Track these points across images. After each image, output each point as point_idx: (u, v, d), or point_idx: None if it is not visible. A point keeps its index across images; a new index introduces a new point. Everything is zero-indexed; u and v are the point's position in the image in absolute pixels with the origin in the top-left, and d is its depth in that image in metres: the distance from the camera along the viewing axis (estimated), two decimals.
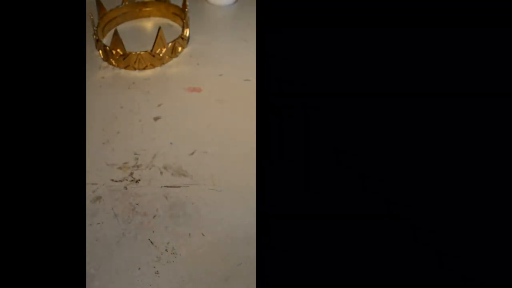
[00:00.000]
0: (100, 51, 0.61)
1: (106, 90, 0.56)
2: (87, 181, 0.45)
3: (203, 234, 0.42)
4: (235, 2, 0.78)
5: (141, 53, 0.58)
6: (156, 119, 0.52)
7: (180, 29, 0.66)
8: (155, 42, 0.58)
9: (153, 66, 0.60)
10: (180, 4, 0.68)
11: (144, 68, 0.60)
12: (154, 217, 0.43)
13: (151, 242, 0.41)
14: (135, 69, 0.60)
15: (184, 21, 0.65)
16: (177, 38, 0.62)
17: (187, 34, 0.65)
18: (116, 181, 0.46)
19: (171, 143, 0.50)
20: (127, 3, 0.67)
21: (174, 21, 0.70)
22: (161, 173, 0.47)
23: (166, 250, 0.41)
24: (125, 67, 0.59)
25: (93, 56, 0.61)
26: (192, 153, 0.49)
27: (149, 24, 0.68)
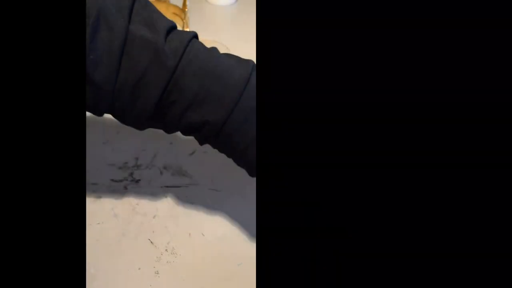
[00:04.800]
0: None
1: None
2: (87, 181, 0.45)
3: (203, 234, 0.42)
4: (235, 2, 0.78)
5: None
6: None
7: (180, 29, 0.66)
8: None
9: None
10: (180, 4, 0.68)
11: None
12: (154, 217, 0.43)
13: (151, 242, 0.41)
14: None
15: (184, 21, 0.65)
16: None
17: None
18: (116, 181, 0.46)
19: (171, 143, 0.50)
20: None
21: (174, 21, 0.70)
22: (161, 173, 0.47)
23: (166, 250, 0.41)
24: None
25: None
26: (192, 153, 0.49)
27: None
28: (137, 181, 0.46)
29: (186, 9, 0.65)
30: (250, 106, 0.33)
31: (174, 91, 0.33)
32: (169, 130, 0.36)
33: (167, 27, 0.34)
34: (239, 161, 0.36)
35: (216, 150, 0.37)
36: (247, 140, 0.34)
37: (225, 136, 0.34)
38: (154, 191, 0.45)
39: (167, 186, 0.46)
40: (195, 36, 0.35)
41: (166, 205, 0.44)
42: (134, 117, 0.35)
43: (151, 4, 0.35)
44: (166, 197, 0.45)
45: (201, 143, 0.37)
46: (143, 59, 0.32)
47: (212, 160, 0.48)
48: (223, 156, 0.37)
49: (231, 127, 0.33)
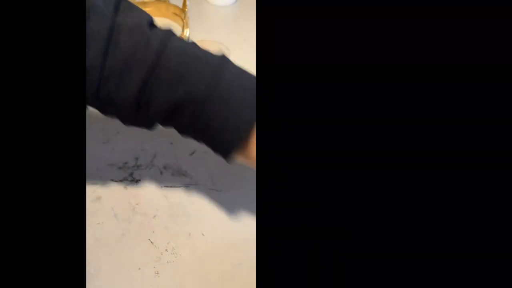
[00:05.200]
0: None
1: None
2: (87, 181, 0.45)
3: (203, 234, 0.42)
4: (235, 2, 0.78)
5: None
6: None
7: (180, 29, 0.66)
8: None
9: None
10: (180, 4, 0.68)
11: None
12: (154, 217, 0.43)
13: (151, 242, 0.41)
14: None
15: (184, 21, 0.64)
16: None
17: (187, 34, 0.65)
18: (116, 181, 0.46)
19: (171, 143, 0.50)
20: None
21: (174, 21, 0.70)
22: (161, 173, 0.47)
23: (166, 250, 0.41)
24: None
25: None
26: (192, 153, 0.49)
27: None
28: (137, 181, 0.46)
29: (186, 9, 0.65)
30: (230, 85, 0.35)
31: (158, 74, 0.35)
32: (153, 116, 0.37)
33: (150, 21, 0.37)
34: (218, 145, 0.37)
35: None
36: (227, 119, 0.35)
37: (206, 115, 0.35)
38: (154, 191, 0.45)
39: (167, 186, 0.46)
40: (173, 33, 0.38)
41: (166, 205, 0.44)
42: (120, 102, 0.36)
43: (135, 5, 0.38)
44: (166, 197, 0.45)
45: (182, 131, 0.38)
46: (129, 43, 0.35)
47: (212, 160, 0.48)
48: None
49: (212, 104, 0.34)
